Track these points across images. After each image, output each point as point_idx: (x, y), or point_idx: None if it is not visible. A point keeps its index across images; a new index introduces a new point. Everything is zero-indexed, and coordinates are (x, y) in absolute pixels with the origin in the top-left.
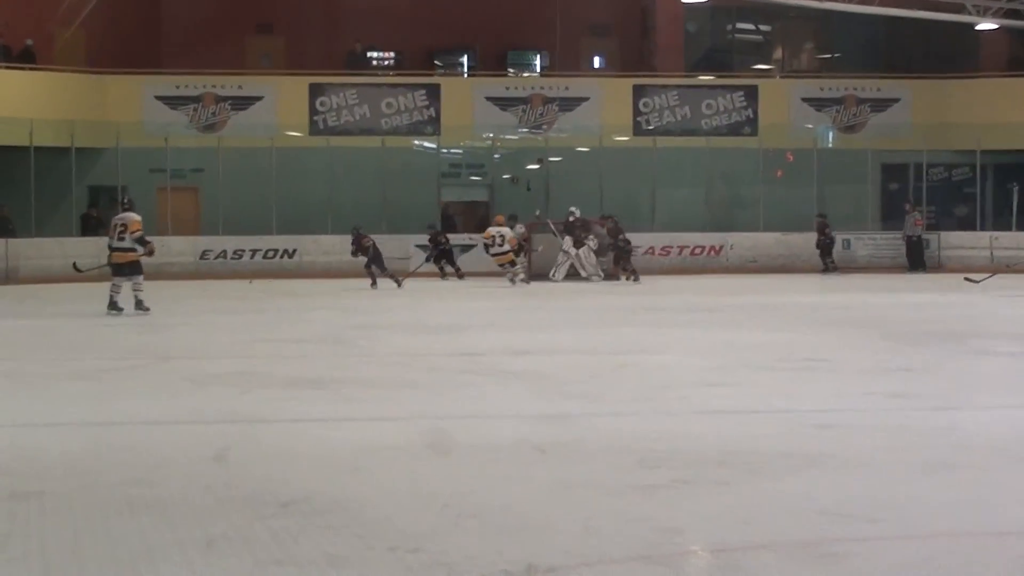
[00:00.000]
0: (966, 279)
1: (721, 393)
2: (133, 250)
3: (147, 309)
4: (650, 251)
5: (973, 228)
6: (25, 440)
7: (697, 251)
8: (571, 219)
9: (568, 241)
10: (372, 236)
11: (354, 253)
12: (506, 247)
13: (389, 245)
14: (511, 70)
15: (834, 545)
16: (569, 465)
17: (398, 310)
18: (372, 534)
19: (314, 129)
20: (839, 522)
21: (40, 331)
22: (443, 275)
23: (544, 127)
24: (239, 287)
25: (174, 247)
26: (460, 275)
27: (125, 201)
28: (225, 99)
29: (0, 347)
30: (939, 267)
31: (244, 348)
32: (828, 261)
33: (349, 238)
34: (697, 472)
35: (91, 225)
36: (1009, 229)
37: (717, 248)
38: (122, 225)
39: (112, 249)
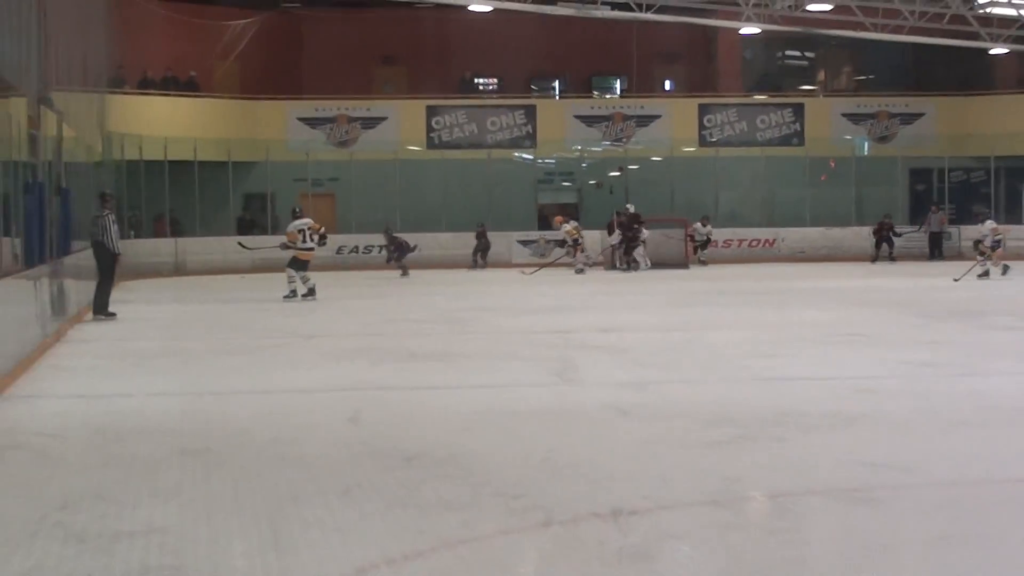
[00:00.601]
0: (954, 280)
1: (775, 363)
2: (312, 250)
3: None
4: (714, 244)
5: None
6: (193, 406)
7: (754, 243)
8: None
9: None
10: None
11: (391, 251)
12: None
13: (494, 241)
14: (595, 92)
15: (873, 491)
16: (647, 425)
17: (502, 295)
18: (481, 483)
19: (430, 144)
20: (877, 472)
21: (204, 315)
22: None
23: (623, 140)
24: (369, 277)
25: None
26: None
27: (298, 210)
28: (356, 120)
29: (171, 328)
30: (959, 256)
31: (374, 327)
32: (888, 252)
33: (465, 235)
34: (755, 430)
35: (245, 226)
36: (1020, 223)
37: (771, 241)
38: (309, 228)
39: (300, 249)
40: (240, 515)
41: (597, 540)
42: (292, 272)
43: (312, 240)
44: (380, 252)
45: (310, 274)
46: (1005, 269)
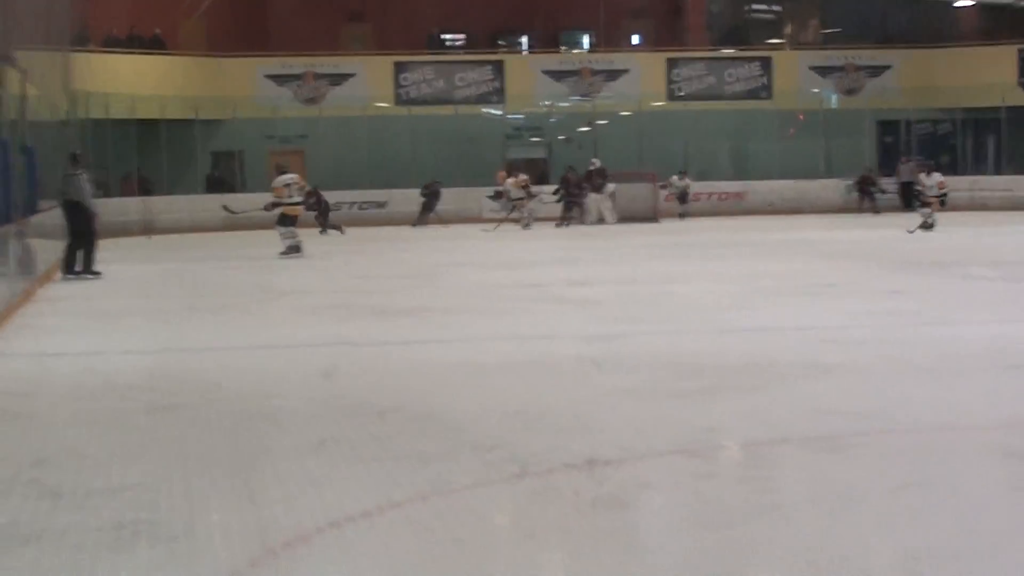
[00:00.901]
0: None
1: (744, 315)
2: (301, 204)
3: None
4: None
5: (955, 173)
6: (163, 364)
7: (723, 197)
8: (591, 168)
9: (587, 188)
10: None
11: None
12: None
13: (462, 196)
14: (563, 47)
15: (843, 439)
16: (620, 377)
17: (473, 251)
18: (456, 436)
19: (398, 100)
20: (846, 420)
21: (173, 274)
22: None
23: (592, 95)
24: (340, 235)
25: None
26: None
27: (284, 166)
28: (323, 76)
29: (140, 287)
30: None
31: (346, 284)
32: (871, 205)
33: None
34: (726, 380)
35: (214, 183)
36: (986, 174)
37: (740, 194)
38: (294, 183)
39: (287, 204)
40: (214, 470)
41: (572, 490)
42: (282, 228)
43: (297, 195)
44: (353, 208)
45: (297, 231)
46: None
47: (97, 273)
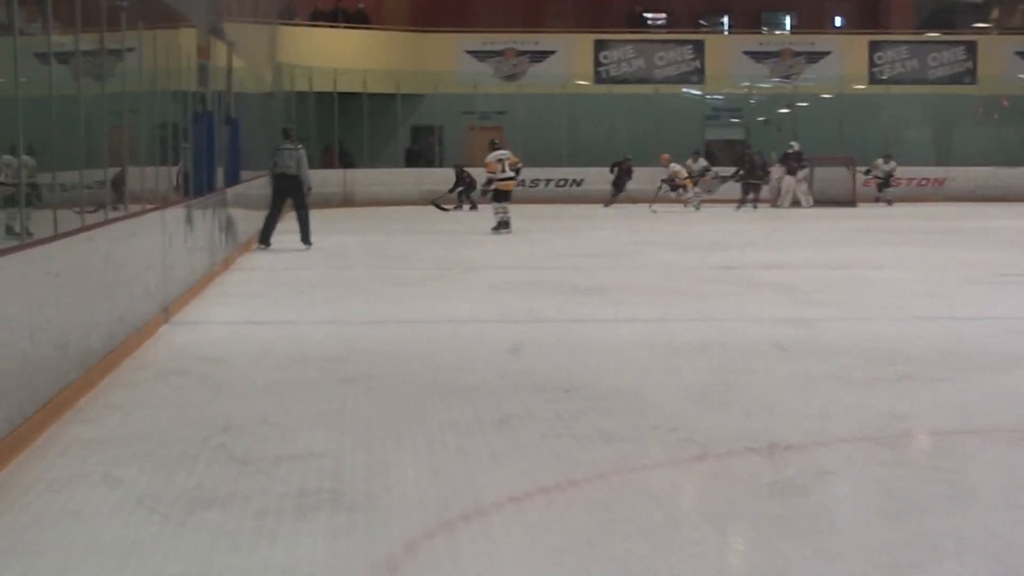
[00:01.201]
0: None
1: (938, 303)
2: (512, 179)
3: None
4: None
5: None
6: (356, 335)
7: (923, 183)
8: (788, 151)
9: (782, 170)
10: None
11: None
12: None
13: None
14: (764, 28)
15: None
16: (808, 361)
17: (668, 231)
18: (638, 415)
19: (598, 78)
20: None
21: (372, 245)
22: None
23: (792, 77)
24: (535, 211)
25: (480, 177)
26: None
27: (496, 142)
28: (524, 53)
29: (339, 258)
30: None
31: (539, 260)
32: None
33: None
34: (916, 369)
35: (413, 158)
36: None
37: (941, 180)
38: (507, 158)
39: (500, 180)
40: (398, 442)
41: (751, 474)
42: (496, 204)
43: (510, 170)
44: (549, 185)
45: (508, 206)
46: None
47: (310, 244)
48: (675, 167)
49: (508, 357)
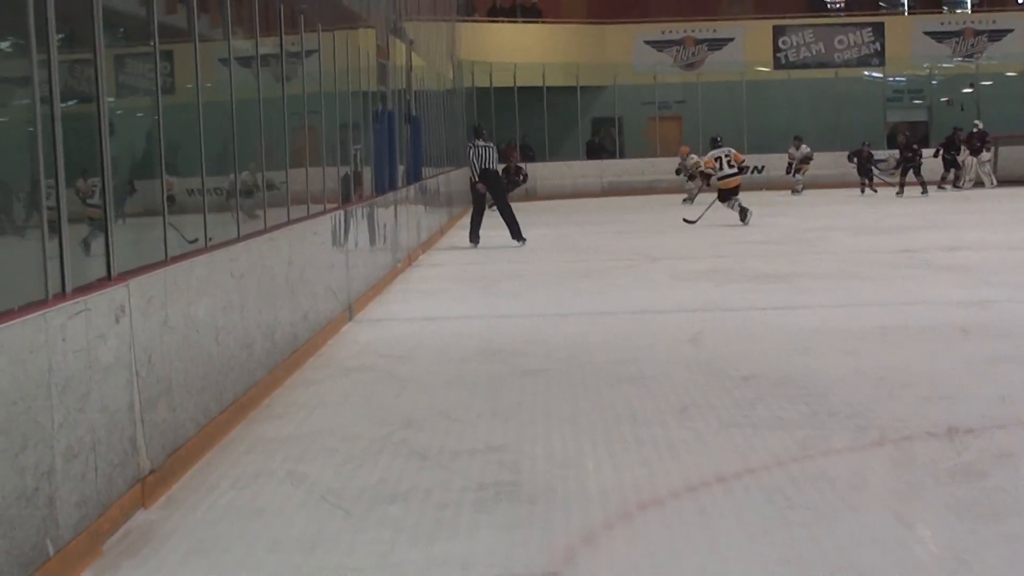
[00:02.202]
0: None
1: None
2: (738, 175)
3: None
4: None
5: None
6: (538, 327)
7: None
8: (973, 131)
9: (966, 151)
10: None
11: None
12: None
13: (841, 161)
14: (945, 7)
15: None
16: (989, 343)
17: (849, 215)
18: (817, 402)
19: (777, 64)
20: None
21: (554, 238)
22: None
23: (975, 56)
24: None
25: (662, 167)
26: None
27: (718, 138)
28: (702, 41)
29: (522, 252)
30: None
31: (718, 249)
32: None
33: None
34: None
35: (594, 150)
36: None
37: None
38: (726, 155)
39: (725, 178)
40: (577, 434)
41: (930, 458)
42: (732, 201)
43: (731, 167)
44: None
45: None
46: None
47: (523, 239)
48: (694, 158)
49: (687, 346)
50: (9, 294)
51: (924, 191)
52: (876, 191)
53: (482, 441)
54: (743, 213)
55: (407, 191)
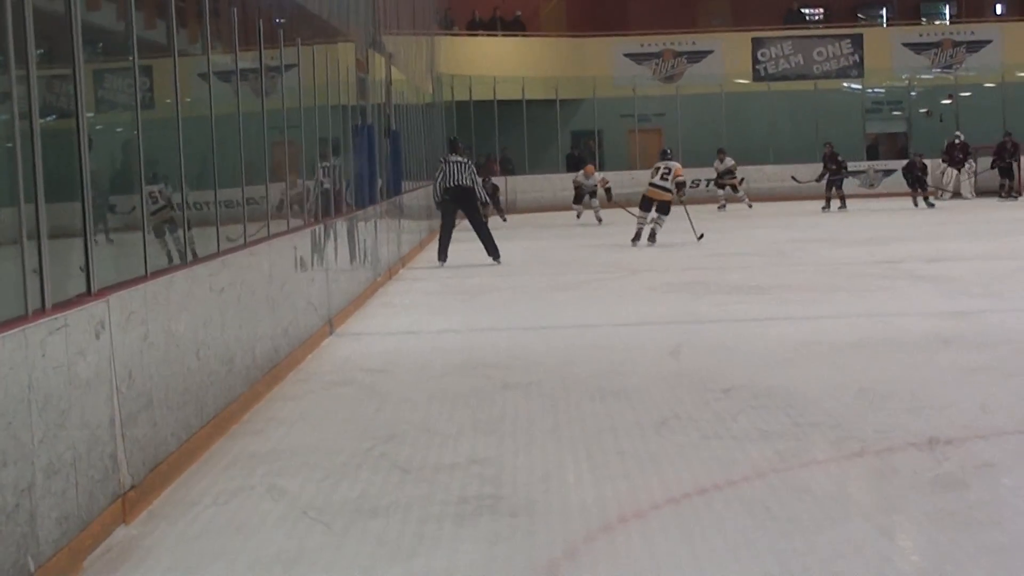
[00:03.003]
0: None
1: None
2: (670, 191)
3: (654, 242)
4: None
5: None
6: (519, 341)
7: None
8: (955, 142)
9: (942, 163)
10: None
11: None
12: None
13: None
14: (924, 19)
15: None
16: (969, 354)
17: (828, 226)
18: (798, 414)
19: (756, 76)
20: None
21: (535, 251)
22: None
23: (954, 67)
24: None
25: (642, 179)
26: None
27: (668, 151)
28: (681, 54)
29: (501, 265)
30: None
31: (698, 261)
32: None
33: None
34: None
35: (574, 163)
36: None
37: None
38: (666, 168)
39: (651, 186)
40: (559, 446)
41: (911, 469)
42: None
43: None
44: (709, 186)
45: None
46: None
47: (499, 257)
48: (598, 176)
49: (668, 359)
50: None
51: (843, 205)
52: (933, 204)
53: (464, 455)
54: (652, 235)
55: (387, 205)
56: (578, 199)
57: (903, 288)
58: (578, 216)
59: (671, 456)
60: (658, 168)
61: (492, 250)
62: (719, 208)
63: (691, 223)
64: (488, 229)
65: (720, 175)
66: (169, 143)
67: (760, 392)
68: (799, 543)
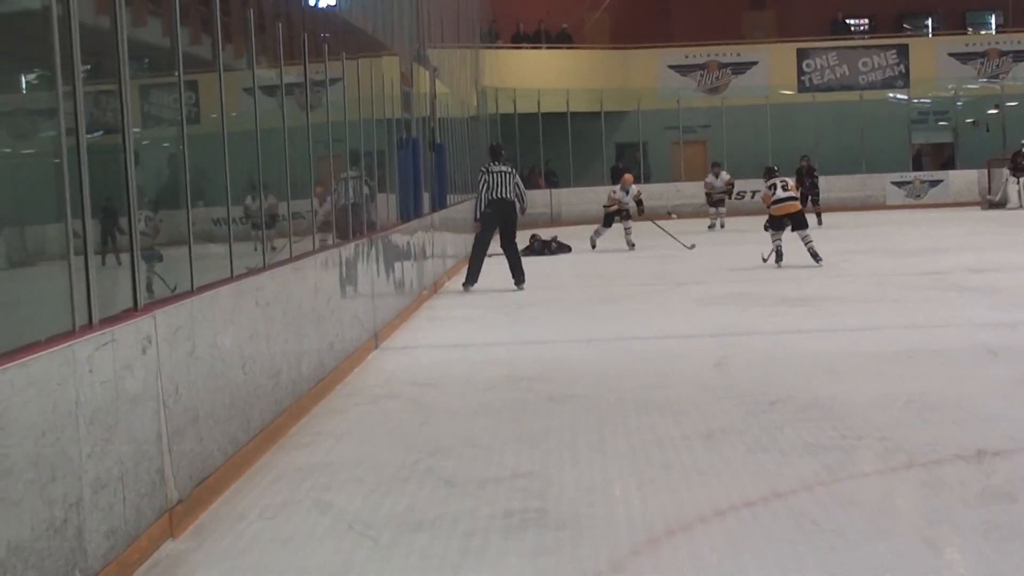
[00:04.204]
0: None
1: None
2: (796, 200)
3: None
4: None
5: None
6: (564, 354)
7: None
8: (1019, 151)
9: (1006, 172)
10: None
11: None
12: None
13: (865, 183)
14: (970, 28)
15: None
16: (1017, 365)
17: (876, 238)
18: (844, 426)
19: (801, 87)
20: None
21: (581, 263)
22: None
23: (1000, 77)
24: (743, 223)
25: (687, 191)
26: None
27: (775, 167)
28: (726, 65)
29: (546, 278)
30: None
31: (745, 273)
32: None
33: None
34: None
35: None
36: None
37: None
38: (783, 182)
39: (778, 203)
40: (604, 460)
41: (959, 481)
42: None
43: (785, 191)
44: (756, 196)
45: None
46: None
47: (523, 284)
48: (635, 189)
49: (713, 371)
50: (37, 325)
51: (819, 221)
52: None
53: (509, 468)
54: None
55: (432, 218)
56: (608, 222)
57: (951, 299)
58: (593, 247)
59: (717, 469)
60: (773, 184)
61: (518, 273)
62: (709, 228)
63: (674, 237)
64: (518, 250)
65: (718, 192)
66: (216, 159)
67: (806, 404)
68: (846, 556)
